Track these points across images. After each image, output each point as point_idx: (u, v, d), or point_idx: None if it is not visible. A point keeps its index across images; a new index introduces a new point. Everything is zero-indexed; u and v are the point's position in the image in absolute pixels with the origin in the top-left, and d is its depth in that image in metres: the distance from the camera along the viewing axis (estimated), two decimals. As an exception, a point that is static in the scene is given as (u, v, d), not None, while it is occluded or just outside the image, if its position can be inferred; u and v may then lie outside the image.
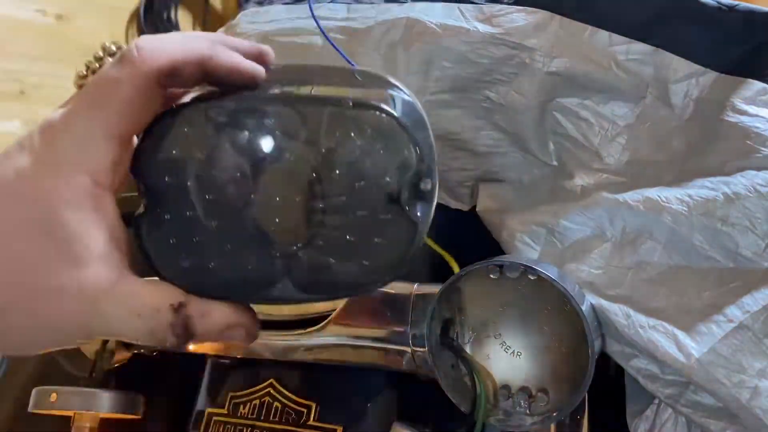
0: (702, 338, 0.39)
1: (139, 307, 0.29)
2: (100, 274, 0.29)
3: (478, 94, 0.52)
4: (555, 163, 0.51)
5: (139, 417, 0.55)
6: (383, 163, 0.29)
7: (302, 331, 0.49)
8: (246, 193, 0.29)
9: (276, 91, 0.31)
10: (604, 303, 0.43)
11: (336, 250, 0.30)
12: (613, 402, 0.46)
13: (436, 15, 0.52)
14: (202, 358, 0.55)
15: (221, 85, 0.31)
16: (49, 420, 0.55)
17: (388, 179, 0.29)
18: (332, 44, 0.49)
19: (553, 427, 0.45)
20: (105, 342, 0.57)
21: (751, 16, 0.47)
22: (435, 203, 0.30)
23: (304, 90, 0.30)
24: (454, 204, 0.55)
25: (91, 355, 0.57)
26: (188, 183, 0.29)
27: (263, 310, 0.43)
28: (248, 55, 0.32)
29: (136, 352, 0.59)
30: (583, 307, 0.40)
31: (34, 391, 0.53)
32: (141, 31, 1.56)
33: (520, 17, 0.51)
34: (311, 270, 0.30)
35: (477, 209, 0.53)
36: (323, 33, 0.51)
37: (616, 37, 0.48)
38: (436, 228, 0.55)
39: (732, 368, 0.38)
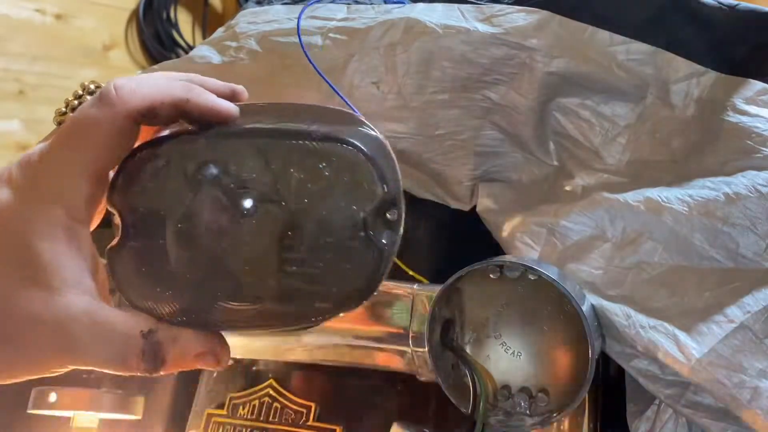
0: (702, 338, 0.39)
1: (110, 334, 0.30)
2: (73, 302, 0.29)
3: (478, 94, 0.52)
4: (555, 163, 0.51)
5: (139, 417, 0.55)
6: (349, 193, 0.31)
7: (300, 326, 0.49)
8: (217, 222, 0.31)
9: (246, 126, 0.32)
10: (605, 303, 0.43)
11: (305, 277, 0.31)
12: (613, 402, 0.46)
13: (436, 15, 0.52)
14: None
15: (196, 122, 0.32)
16: (49, 420, 0.55)
17: (354, 208, 0.30)
18: (311, 62, 0.50)
19: (553, 427, 0.45)
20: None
21: (751, 15, 0.47)
22: (402, 230, 0.31)
23: (273, 124, 0.32)
24: (454, 204, 0.55)
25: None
26: (161, 213, 0.31)
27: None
28: (222, 95, 0.33)
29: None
30: (584, 308, 0.40)
31: (33, 391, 0.53)
32: (140, 31, 1.56)
33: (520, 17, 0.51)
34: (282, 297, 0.31)
35: (477, 209, 0.53)
36: (305, 52, 0.51)
37: (617, 37, 0.48)
38: (437, 228, 0.55)
39: (732, 369, 0.38)
